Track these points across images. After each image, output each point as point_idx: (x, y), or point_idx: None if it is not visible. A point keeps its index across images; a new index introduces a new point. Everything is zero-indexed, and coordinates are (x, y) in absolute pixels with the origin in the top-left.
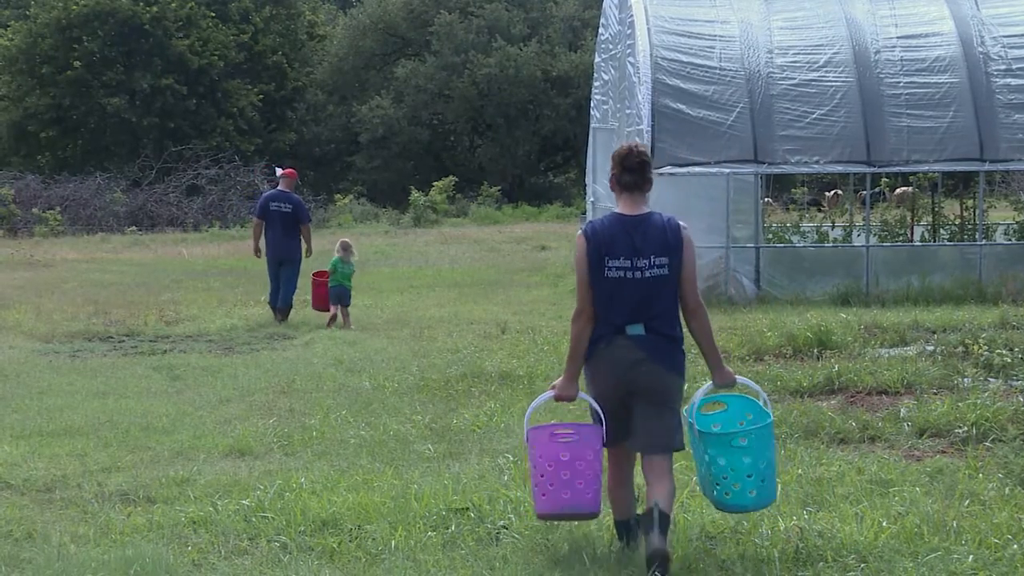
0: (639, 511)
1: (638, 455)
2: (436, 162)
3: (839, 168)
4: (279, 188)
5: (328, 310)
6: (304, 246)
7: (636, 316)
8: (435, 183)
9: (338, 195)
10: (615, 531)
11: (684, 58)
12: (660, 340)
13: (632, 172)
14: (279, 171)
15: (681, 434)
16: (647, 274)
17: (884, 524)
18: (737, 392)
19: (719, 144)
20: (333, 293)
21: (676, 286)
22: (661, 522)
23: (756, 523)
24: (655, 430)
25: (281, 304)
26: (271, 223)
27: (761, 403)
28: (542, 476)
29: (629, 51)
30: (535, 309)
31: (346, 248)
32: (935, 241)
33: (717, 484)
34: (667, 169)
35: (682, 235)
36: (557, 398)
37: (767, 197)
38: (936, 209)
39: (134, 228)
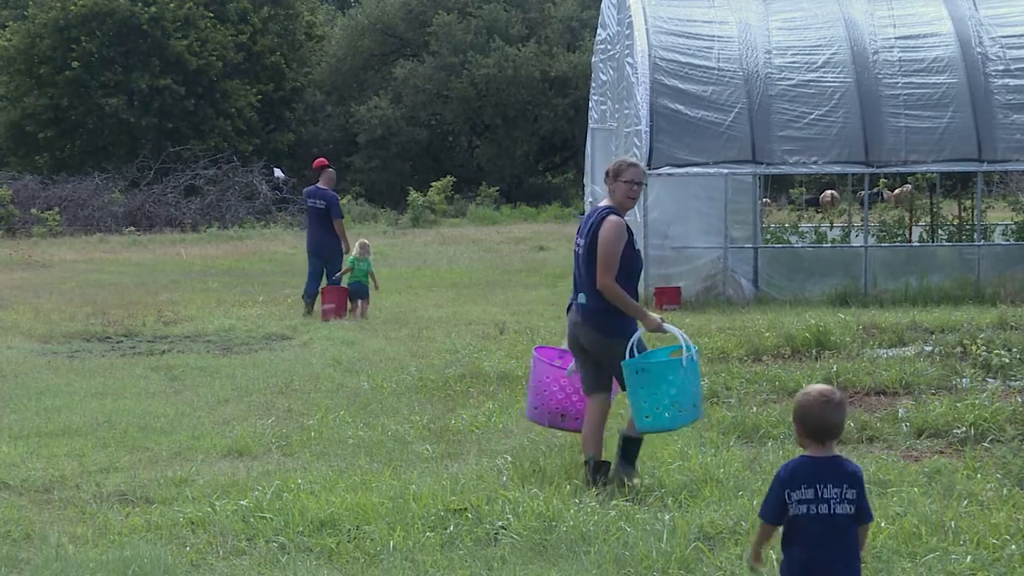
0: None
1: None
2: (434, 162)
3: (837, 168)
4: (317, 184)
5: (328, 319)
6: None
7: (578, 287)
8: (433, 183)
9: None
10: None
11: (682, 58)
12: (586, 308)
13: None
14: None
15: (603, 383)
16: (579, 251)
17: (882, 524)
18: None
19: (717, 144)
20: (352, 290)
21: (591, 264)
22: (595, 469)
23: (755, 523)
24: (586, 376)
25: (310, 292)
26: (309, 219)
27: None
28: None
29: (627, 51)
30: (533, 309)
31: (363, 247)
32: (933, 241)
33: (640, 409)
34: (665, 170)
35: (601, 224)
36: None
37: (765, 197)
38: (934, 210)
39: (132, 228)
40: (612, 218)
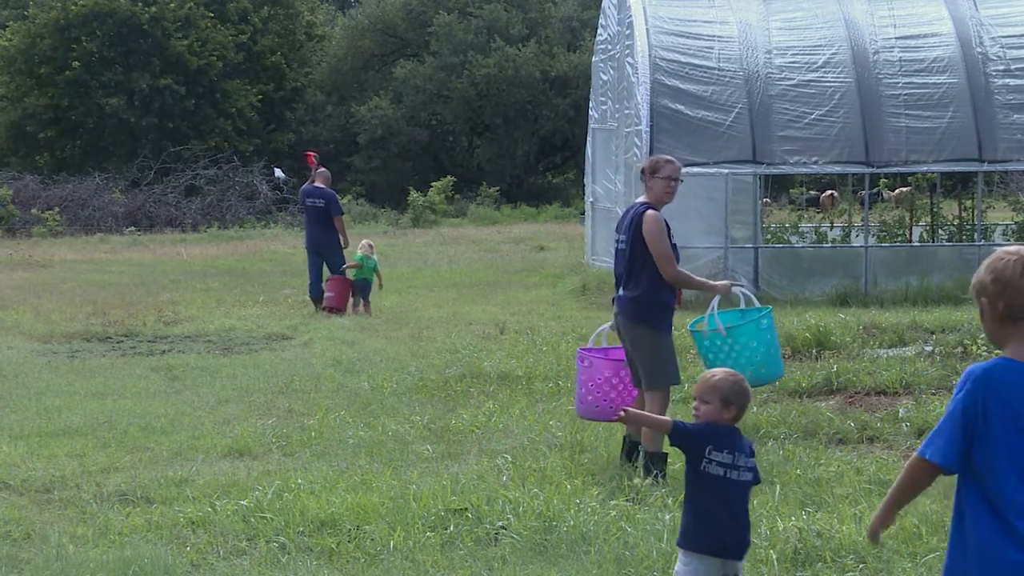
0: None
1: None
2: (435, 162)
3: (838, 169)
4: (314, 184)
5: (329, 311)
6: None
7: (618, 280)
8: (434, 183)
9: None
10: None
11: (683, 58)
12: (623, 299)
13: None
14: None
15: (656, 376)
16: (619, 247)
17: None
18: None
19: (718, 144)
20: (357, 286)
21: (632, 258)
22: (629, 450)
23: (755, 523)
24: (641, 371)
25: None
26: (308, 217)
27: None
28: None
29: (628, 51)
30: (534, 310)
31: (370, 246)
32: (934, 241)
33: (752, 365)
34: None
35: (641, 220)
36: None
37: (766, 197)
38: (935, 209)
39: (133, 228)
40: (650, 212)
